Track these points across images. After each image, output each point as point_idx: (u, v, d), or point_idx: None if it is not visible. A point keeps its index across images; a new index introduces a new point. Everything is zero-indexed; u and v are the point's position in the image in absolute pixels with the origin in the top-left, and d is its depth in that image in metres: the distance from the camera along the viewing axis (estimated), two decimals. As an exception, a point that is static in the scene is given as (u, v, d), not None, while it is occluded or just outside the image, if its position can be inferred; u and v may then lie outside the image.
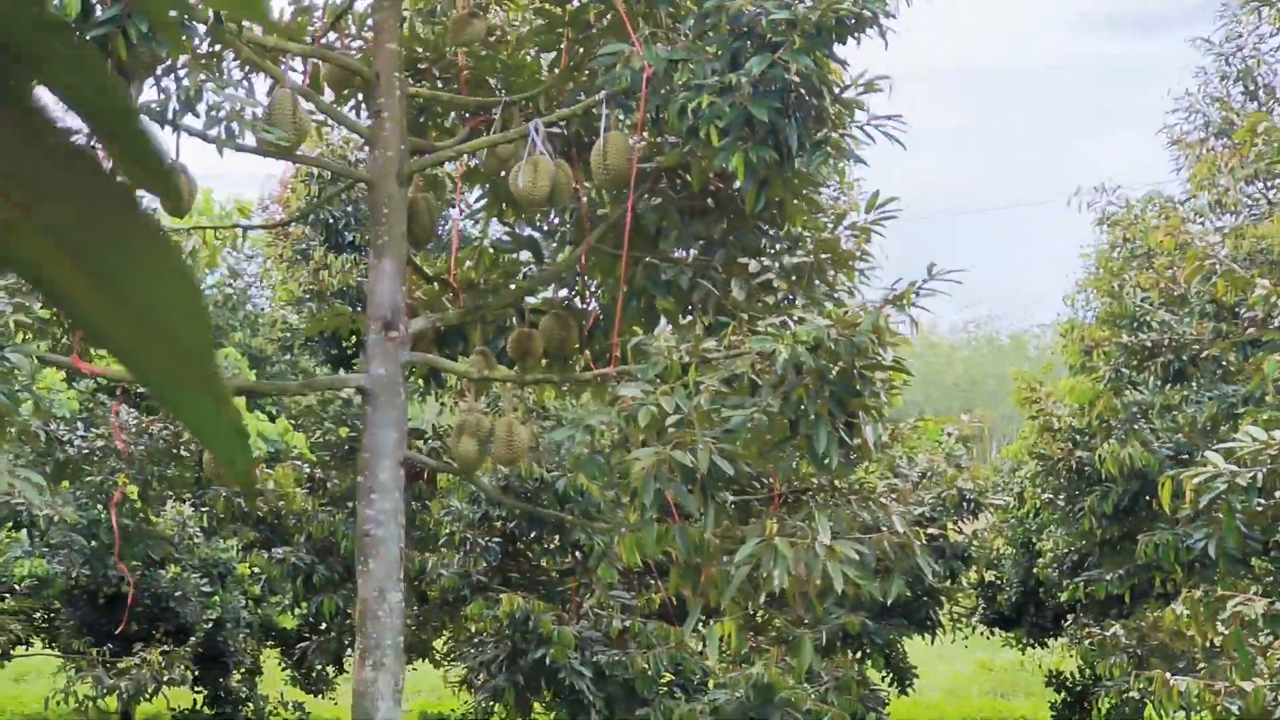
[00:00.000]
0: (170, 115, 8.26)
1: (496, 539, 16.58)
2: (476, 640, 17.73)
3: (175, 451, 18.60)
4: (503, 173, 10.63)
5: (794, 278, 10.82)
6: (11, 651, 25.03)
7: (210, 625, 23.03)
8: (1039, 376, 20.48)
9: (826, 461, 9.03)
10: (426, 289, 11.23)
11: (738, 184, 11.17)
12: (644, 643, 16.30)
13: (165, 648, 19.18)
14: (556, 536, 16.63)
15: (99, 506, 18.48)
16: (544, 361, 11.10)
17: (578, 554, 16.84)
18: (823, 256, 11.01)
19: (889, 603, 9.83)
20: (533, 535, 16.92)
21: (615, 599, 16.52)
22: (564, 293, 11.31)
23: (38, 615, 24.52)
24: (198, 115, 8.21)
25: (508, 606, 15.07)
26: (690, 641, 16.80)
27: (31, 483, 17.38)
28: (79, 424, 20.05)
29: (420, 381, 11.50)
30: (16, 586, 22.33)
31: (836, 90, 9.92)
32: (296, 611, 20.76)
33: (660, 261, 10.70)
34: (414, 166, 10.11)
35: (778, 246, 11.17)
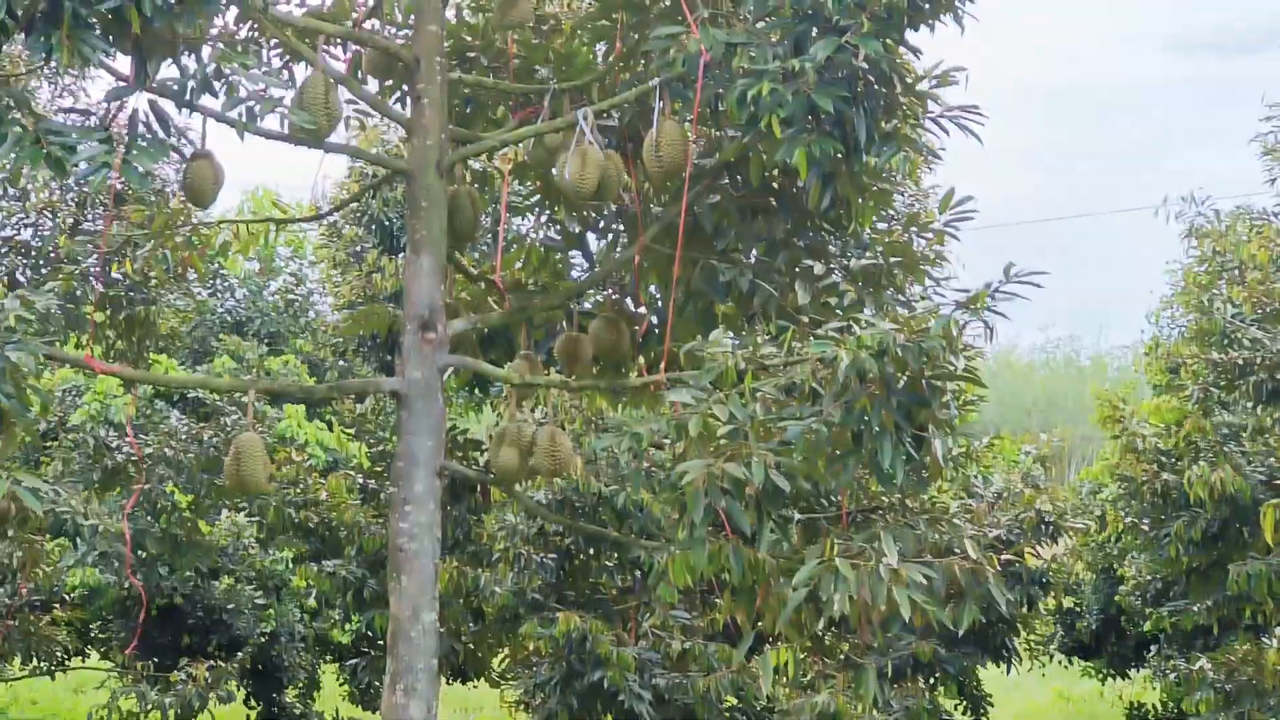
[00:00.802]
0: (187, 95, 7.68)
1: (553, 555, 15.93)
2: (533, 661, 17.12)
3: (223, 459, 18.14)
4: (553, 169, 10.01)
5: (861, 282, 10.13)
6: (68, 662, 24.70)
7: (264, 639, 22.55)
8: (1122, 394, 19.61)
9: (892, 477, 8.33)
10: (471, 289, 10.62)
11: (801, 181, 10.53)
12: (705, 666, 15.60)
13: (212, 663, 18.65)
14: (615, 553, 15.97)
15: (147, 516, 18.00)
16: (595, 369, 10.48)
17: (637, 572, 16.17)
18: (893, 260, 10.31)
19: (962, 631, 9.10)
20: (590, 552, 16.26)
21: (676, 619, 15.83)
22: (616, 295, 10.67)
23: (94, 626, 24.15)
24: (216, 95, 7.63)
25: (564, 626, 14.42)
26: (753, 666, 16.12)
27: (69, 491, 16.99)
28: (126, 430, 19.65)
29: (474, 390, 10.88)
30: (67, 597, 21.94)
31: (909, 81, 9.23)
32: (348, 627, 20.21)
33: (718, 263, 10.04)
34: (455, 157, 9.50)
35: (844, 249, 10.48)
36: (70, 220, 18.40)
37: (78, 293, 17.36)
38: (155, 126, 7.60)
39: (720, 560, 8.69)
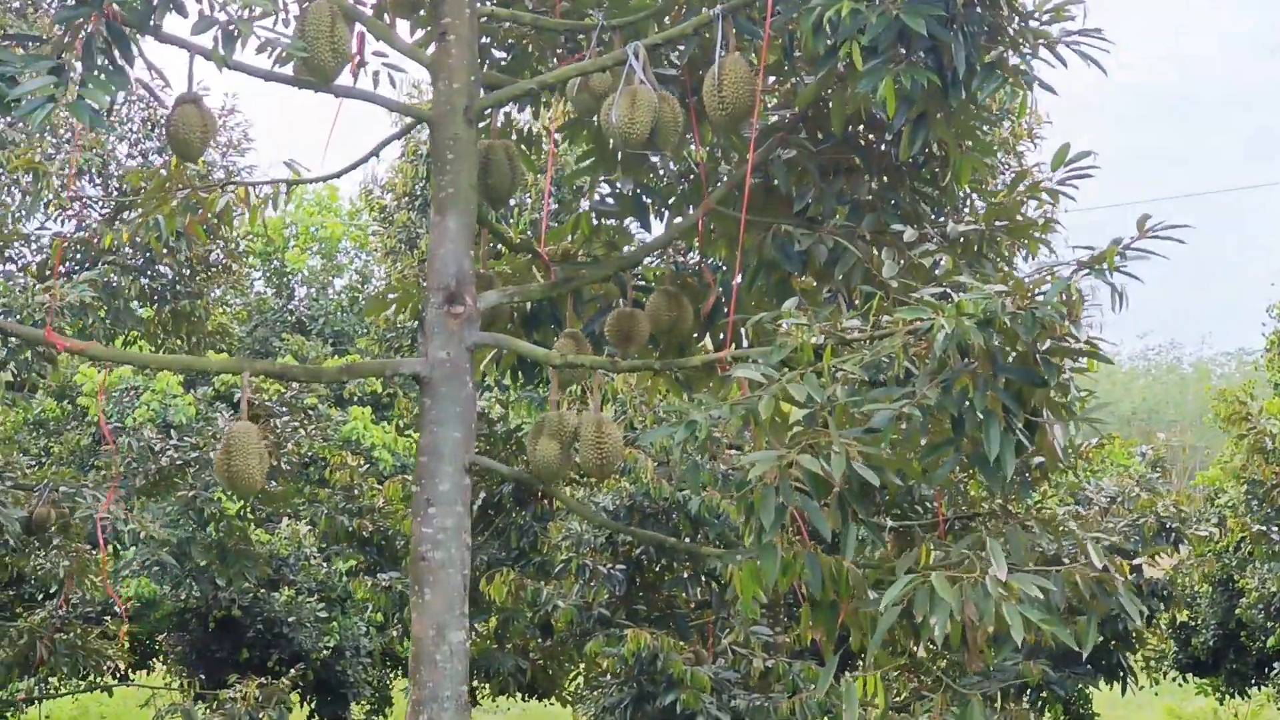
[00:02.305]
0: (151, 17, 6.44)
1: (622, 566, 14.60)
2: (604, 680, 15.82)
3: (275, 464, 16.99)
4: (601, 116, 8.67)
5: (960, 251, 8.73)
6: (131, 677, 23.74)
7: (328, 653, 21.42)
8: (1247, 390, 17.98)
9: (999, 471, 6.93)
10: (511, 260, 9.33)
11: (889, 135, 9.16)
12: (790, 686, 14.18)
13: (264, 680, 17.48)
14: (689, 564, 14.61)
15: (191, 523, 16.88)
16: (653, 352, 9.15)
17: (714, 584, 14.80)
18: (997, 225, 8.89)
19: (1087, 652, 7.64)
20: (663, 562, 14.91)
21: (757, 635, 14.44)
22: (677, 266, 9.35)
23: (159, 639, 23.16)
24: (184, 14, 6.37)
25: (633, 644, 13.08)
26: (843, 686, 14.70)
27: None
28: (171, 432, 18.60)
29: (517, 376, 9.57)
30: (118, 609, 20.91)
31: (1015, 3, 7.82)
32: (407, 643, 18.95)
33: (794, 228, 8.68)
34: (485, 102, 8.22)
35: (939, 212, 9.10)
36: (111, 209, 17.39)
37: (117, 284, 16.36)
38: (115, 54, 6.36)
39: (795, 570, 7.33)
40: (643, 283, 9.31)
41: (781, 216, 8.91)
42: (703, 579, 14.78)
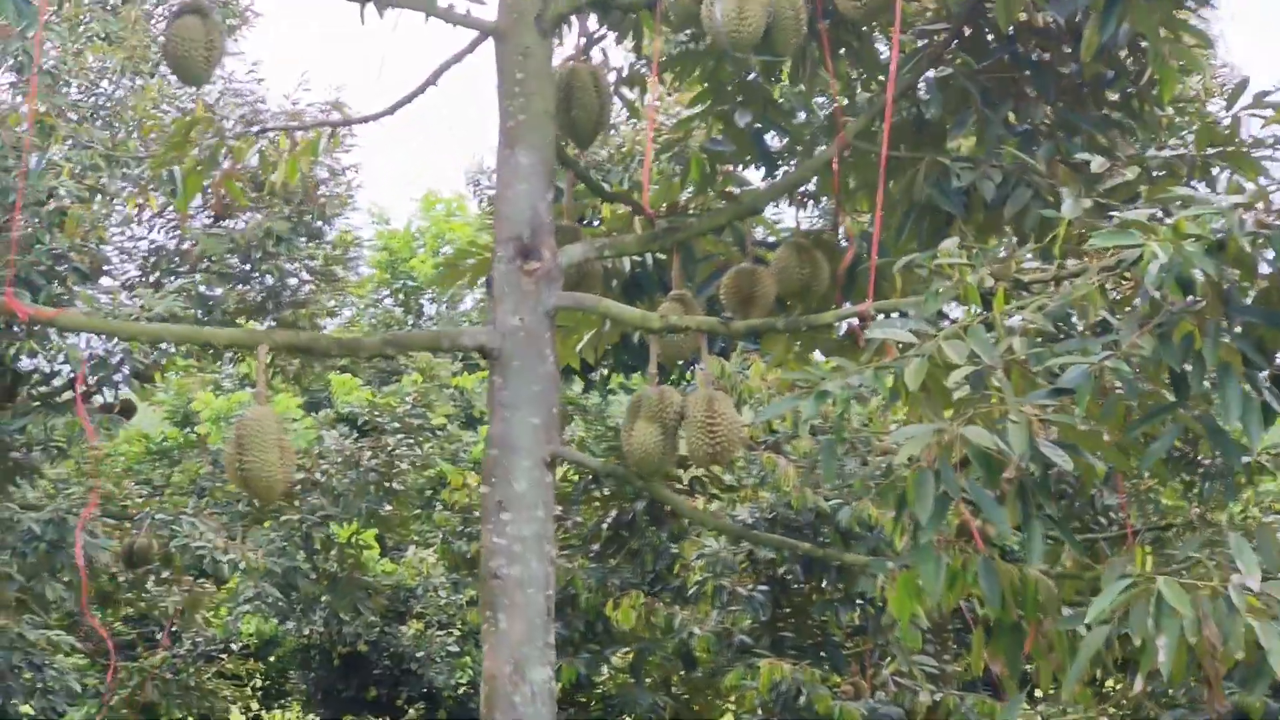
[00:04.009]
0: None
1: (764, 587, 12.89)
2: (754, 717, 14.14)
3: (387, 485, 15.62)
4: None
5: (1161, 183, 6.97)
6: (263, 718, 22.58)
7: (462, 690, 20.00)
8: None
9: (1239, 440, 5.20)
10: (607, 215, 7.76)
11: (1067, 48, 7.44)
12: (961, 723, 12.43)
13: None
14: (841, 584, 12.86)
15: (300, 552, 15.51)
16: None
17: (870, 607, 13.04)
18: (1209, 151, 7.10)
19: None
20: (810, 584, 13.18)
21: (920, 666, 12.67)
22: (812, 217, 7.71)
23: (287, 677, 21.96)
24: None
25: (768, 676, 11.41)
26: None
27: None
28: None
29: (623, 358, 7.99)
30: (233, 646, 19.72)
31: None
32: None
33: (951, 162, 7.00)
34: (563, 6, 6.67)
35: (1133, 137, 7.36)
36: (210, 217, 16.16)
37: (214, 295, 15.13)
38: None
39: (965, 582, 5.64)
40: (767, 238, 7.67)
41: (934, 149, 7.25)
42: (857, 601, 13.03)
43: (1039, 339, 5.63)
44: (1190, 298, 5.23)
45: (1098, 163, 6.79)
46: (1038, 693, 12.79)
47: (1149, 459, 5.69)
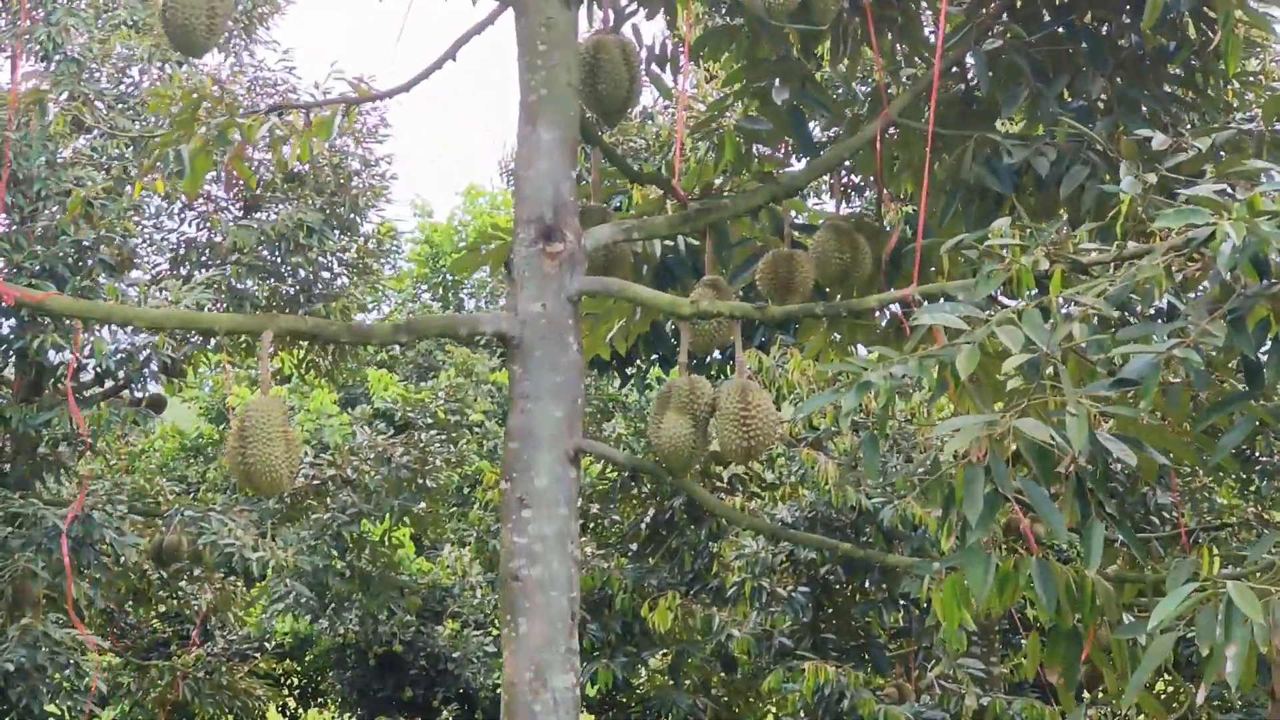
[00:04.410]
0: None
1: (805, 588, 12.50)
2: None
3: (420, 481, 15.29)
4: None
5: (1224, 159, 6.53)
6: (299, 718, 22.28)
7: (499, 691, 19.64)
8: None
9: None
10: (637, 200, 7.38)
11: (1125, 19, 7.03)
12: (1008, 728, 11.98)
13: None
14: (884, 585, 12.45)
15: (333, 551, 15.18)
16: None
17: (915, 608, 12.62)
18: (1278, 126, 6.67)
19: None
20: (853, 585, 12.77)
21: (965, 669, 12.24)
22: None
23: (323, 676, 21.66)
24: None
25: (812, 679, 11.01)
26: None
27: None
28: (306, 449, 17.02)
29: (653, 347, 7.60)
30: (267, 645, 19.42)
31: None
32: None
33: (1003, 139, 6.60)
34: (588, -26, 6.31)
35: (1197, 113, 6.94)
36: (239, 207, 15.85)
37: (246, 287, 14.82)
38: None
39: (1016, 585, 5.25)
40: (805, 223, 7.27)
41: (983, 126, 6.85)
42: (901, 603, 12.61)
43: (1098, 326, 5.24)
44: (1266, 280, 4.82)
45: (1159, 139, 6.37)
46: (1084, 694, 12.35)
47: (1220, 453, 5.27)
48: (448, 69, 6.63)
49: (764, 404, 5.87)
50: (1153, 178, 5.72)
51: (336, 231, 15.47)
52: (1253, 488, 13.44)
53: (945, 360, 5.12)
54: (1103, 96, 6.90)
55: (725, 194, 6.99)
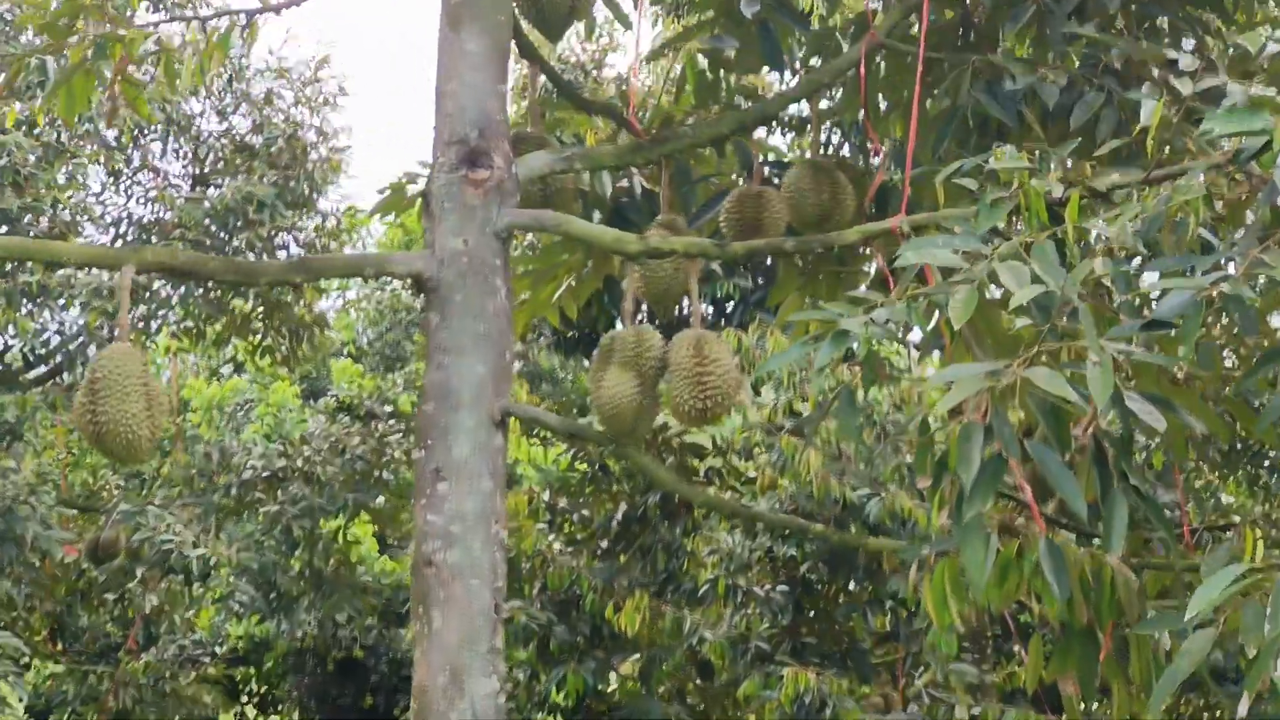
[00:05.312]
0: None
1: (784, 587, 11.57)
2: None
3: (377, 475, 14.35)
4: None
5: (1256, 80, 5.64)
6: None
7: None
8: None
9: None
10: (581, 124, 6.47)
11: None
12: (1002, 739, 11.09)
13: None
14: (869, 585, 11.53)
15: (281, 548, 14.22)
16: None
17: (902, 609, 11.70)
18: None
19: None
20: (835, 585, 11.85)
21: (959, 674, 11.33)
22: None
23: (281, 682, 20.69)
24: None
25: (791, 685, 10.11)
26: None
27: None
28: (256, 441, 16.07)
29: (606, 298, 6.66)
30: (218, 650, 18.46)
31: None
32: (536, 688, 16.19)
33: (1005, 62, 5.70)
34: None
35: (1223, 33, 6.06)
36: (188, 181, 14.91)
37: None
38: None
39: (1022, 573, 4.34)
40: (779, 160, 6.36)
41: (981, 50, 5.96)
42: (887, 604, 11.69)
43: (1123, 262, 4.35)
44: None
45: (1186, 60, 5.48)
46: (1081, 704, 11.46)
47: (1267, 418, 4.36)
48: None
49: (722, 357, 4.95)
50: (1188, 87, 4.82)
51: (290, 210, 14.53)
52: (1261, 483, 12.61)
53: (938, 303, 4.23)
54: (1117, 14, 6.01)
55: (688, 128, 6.07)
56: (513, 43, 5.49)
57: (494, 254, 5.09)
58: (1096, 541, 5.53)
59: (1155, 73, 5.59)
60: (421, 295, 5.19)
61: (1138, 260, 4.36)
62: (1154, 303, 4.25)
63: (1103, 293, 4.65)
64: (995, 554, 4.15)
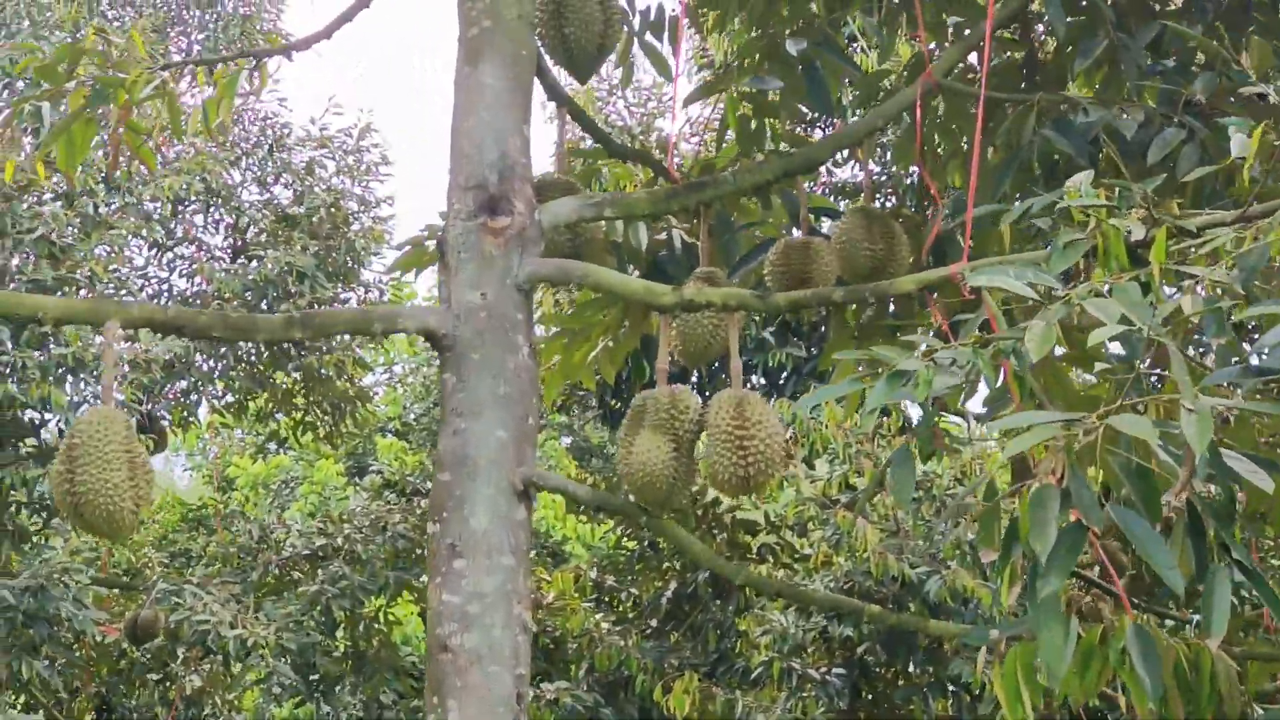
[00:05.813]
0: None
1: (840, 670, 11.01)
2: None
3: (419, 553, 13.89)
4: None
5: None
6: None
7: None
8: None
9: None
10: (618, 171, 6.04)
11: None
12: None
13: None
14: (930, 667, 10.96)
15: (321, 628, 13.76)
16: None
17: (965, 693, 11.10)
18: None
19: None
20: (895, 667, 11.27)
21: (1027, 765, 10.69)
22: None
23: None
24: None
25: (846, 778, 9.55)
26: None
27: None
28: (297, 519, 15.69)
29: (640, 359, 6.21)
30: (257, 734, 17.95)
31: None
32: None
33: (1078, 98, 5.25)
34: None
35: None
36: (227, 249, 14.63)
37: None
38: None
39: (1104, 660, 3.82)
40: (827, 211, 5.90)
41: (1051, 86, 5.51)
42: (950, 688, 11.09)
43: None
44: None
45: (1277, 93, 5.01)
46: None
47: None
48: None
49: (766, 420, 4.46)
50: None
51: (331, 281, 14.20)
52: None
53: (1005, 350, 3.76)
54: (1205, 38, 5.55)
55: (729, 175, 5.62)
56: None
57: (515, 308, 4.64)
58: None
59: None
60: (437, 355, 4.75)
61: (1229, 304, 3.86)
62: (1251, 355, 3.75)
63: (1189, 343, 4.17)
64: (1076, 639, 3.64)
